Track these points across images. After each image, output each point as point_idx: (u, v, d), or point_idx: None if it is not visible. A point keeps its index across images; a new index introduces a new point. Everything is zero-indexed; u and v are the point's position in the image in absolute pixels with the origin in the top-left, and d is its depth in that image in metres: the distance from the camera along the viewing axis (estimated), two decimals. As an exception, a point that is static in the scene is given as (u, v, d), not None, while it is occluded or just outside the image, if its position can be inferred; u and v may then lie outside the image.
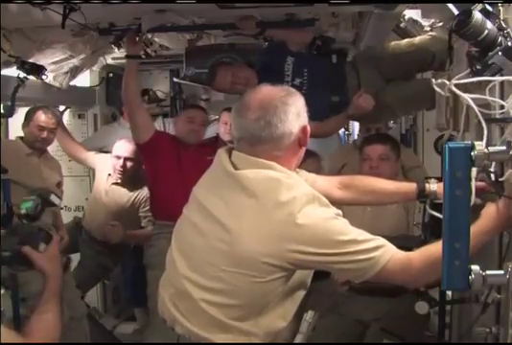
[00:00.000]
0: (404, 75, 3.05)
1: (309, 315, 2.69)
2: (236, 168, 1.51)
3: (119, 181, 3.58)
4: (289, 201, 1.41)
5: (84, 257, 3.76)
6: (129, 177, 3.56)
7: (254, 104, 1.48)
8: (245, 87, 3.02)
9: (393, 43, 3.05)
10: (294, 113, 1.49)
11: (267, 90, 1.52)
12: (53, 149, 3.67)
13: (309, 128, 1.55)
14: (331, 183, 1.88)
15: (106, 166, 3.63)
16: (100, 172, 3.70)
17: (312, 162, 3.05)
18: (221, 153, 1.60)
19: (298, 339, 2.66)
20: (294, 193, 1.43)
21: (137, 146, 3.18)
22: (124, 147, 3.49)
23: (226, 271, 1.44)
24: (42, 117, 3.22)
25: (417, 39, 2.95)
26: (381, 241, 1.47)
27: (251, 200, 1.44)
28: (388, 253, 1.44)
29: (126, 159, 3.48)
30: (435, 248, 1.46)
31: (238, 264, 1.44)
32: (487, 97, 1.55)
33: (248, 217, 1.44)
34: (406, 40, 3.01)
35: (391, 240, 2.37)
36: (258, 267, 1.42)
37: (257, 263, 1.42)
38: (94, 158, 3.76)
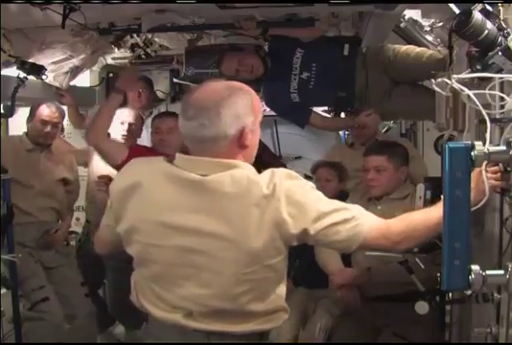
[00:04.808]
0: (411, 81, 3.06)
1: (324, 324, 2.70)
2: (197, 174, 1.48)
3: None
4: (270, 191, 1.44)
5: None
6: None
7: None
8: (251, 75, 3.03)
9: (404, 48, 3.04)
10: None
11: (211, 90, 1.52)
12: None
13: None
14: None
15: None
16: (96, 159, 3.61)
17: (323, 171, 3.09)
18: (161, 165, 1.53)
19: None
20: (273, 179, 1.46)
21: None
22: (127, 112, 3.43)
23: (248, 273, 1.46)
24: (46, 111, 3.19)
25: (428, 53, 2.94)
26: (356, 209, 1.53)
27: (234, 202, 1.44)
28: (367, 221, 1.50)
29: (130, 124, 3.41)
30: (415, 215, 1.57)
31: (255, 261, 1.46)
32: (487, 91, 1.55)
33: (235, 218, 1.44)
34: (418, 49, 3.00)
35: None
36: (271, 254, 1.46)
37: (269, 252, 1.45)
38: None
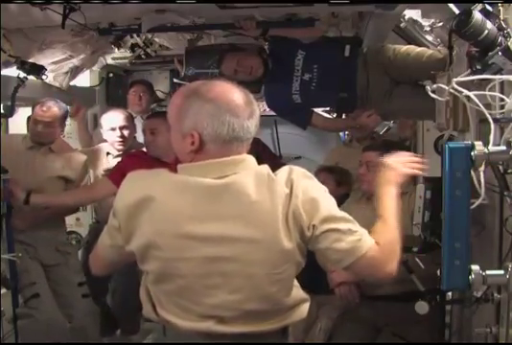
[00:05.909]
0: (412, 81, 3.06)
1: (324, 324, 2.70)
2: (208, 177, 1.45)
3: (121, 153, 3.49)
4: (289, 188, 1.44)
5: None
6: (129, 147, 3.48)
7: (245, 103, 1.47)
8: (250, 76, 3.03)
9: (405, 48, 3.03)
10: None
11: (240, 90, 1.51)
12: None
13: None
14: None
15: (103, 156, 3.58)
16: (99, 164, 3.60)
17: (321, 176, 3.07)
18: (167, 175, 1.49)
19: None
20: (290, 177, 1.46)
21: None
22: (114, 117, 3.44)
23: (279, 273, 1.46)
24: (37, 111, 3.10)
25: (428, 53, 2.92)
26: (361, 229, 1.50)
27: (259, 203, 1.43)
28: (369, 241, 1.47)
29: (121, 128, 3.42)
30: (390, 235, 1.51)
31: (285, 259, 1.46)
32: (487, 92, 1.55)
33: (263, 219, 1.43)
34: (419, 49, 2.99)
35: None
36: (297, 251, 1.46)
37: (296, 248, 1.45)
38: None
